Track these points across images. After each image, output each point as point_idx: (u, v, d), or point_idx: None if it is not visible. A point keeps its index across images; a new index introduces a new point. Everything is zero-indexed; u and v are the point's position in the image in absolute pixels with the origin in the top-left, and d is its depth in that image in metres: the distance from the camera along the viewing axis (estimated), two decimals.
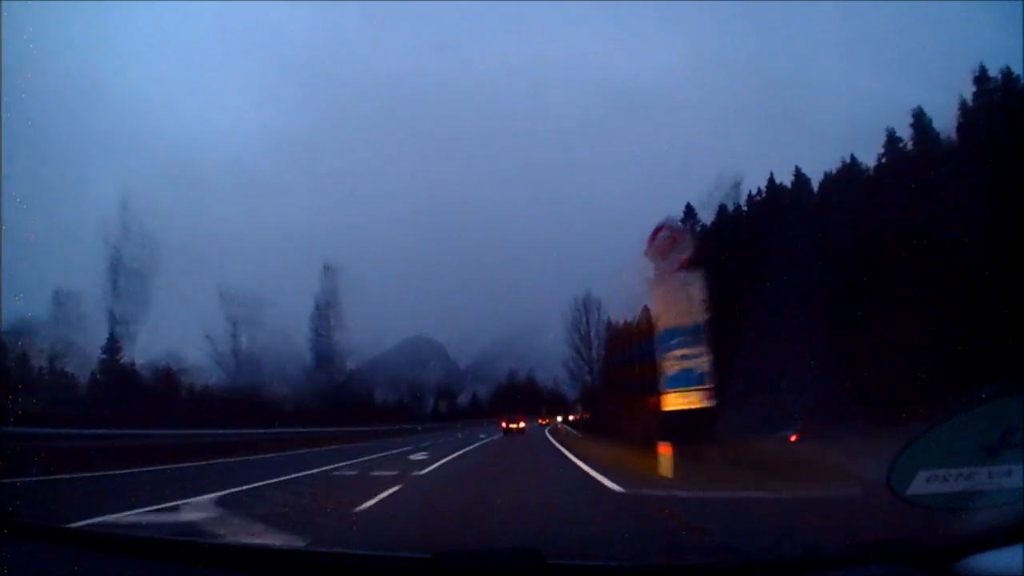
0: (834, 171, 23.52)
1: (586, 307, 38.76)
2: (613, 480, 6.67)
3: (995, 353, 8.84)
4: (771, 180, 29.35)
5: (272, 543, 3.33)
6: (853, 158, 22.81)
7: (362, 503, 5.21)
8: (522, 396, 72.72)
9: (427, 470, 8.89)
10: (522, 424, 30.81)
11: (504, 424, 30.05)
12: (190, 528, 4.02)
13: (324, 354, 34.36)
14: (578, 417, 44.33)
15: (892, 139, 21.55)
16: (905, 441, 1.35)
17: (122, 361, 20.33)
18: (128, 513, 4.57)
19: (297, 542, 3.43)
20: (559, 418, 52.05)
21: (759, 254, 16.97)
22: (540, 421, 52.08)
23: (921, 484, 1.34)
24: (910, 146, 19.39)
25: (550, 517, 4.56)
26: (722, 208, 30.83)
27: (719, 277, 23.22)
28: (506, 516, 4.68)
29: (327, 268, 34.72)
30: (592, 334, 38.50)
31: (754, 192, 30.12)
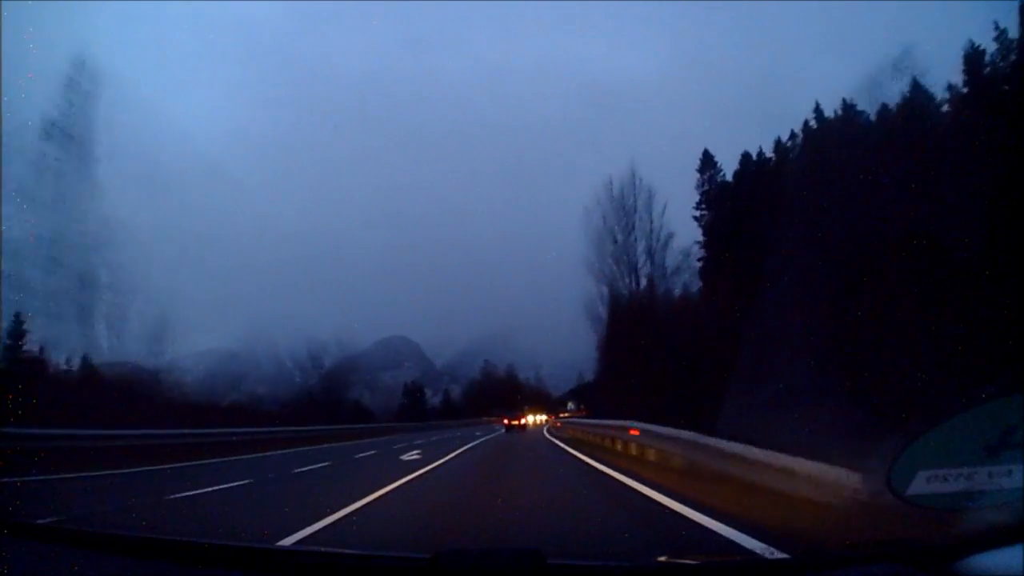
0: (894, 105, 17.37)
1: (622, 206, 22.28)
2: None
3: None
4: (810, 121, 22.95)
5: (272, 543, 3.33)
6: (917, 84, 16.72)
7: None
8: (502, 394, 66.00)
9: None
10: (524, 421, 35.50)
11: (507, 421, 33.35)
12: None
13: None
14: (583, 412, 40.30)
15: (974, 55, 16.13)
16: (905, 441, 1.35)
17: (25, 348, 18.70)
18: None
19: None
20: (544, 416, 47.75)
21: (779, 222, 15.26)
22: (548, 419, 45.96)
23: (921, 484, 1.34)
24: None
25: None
26: (746, 157, 25.32)
27: (725, 261, 20.99)
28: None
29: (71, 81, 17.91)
30: (642, 249, 22.05)
31: (785, 138, 24.86)
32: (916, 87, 16.69)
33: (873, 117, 18.28)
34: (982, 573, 1.26)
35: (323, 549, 3.00)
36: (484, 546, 3.05)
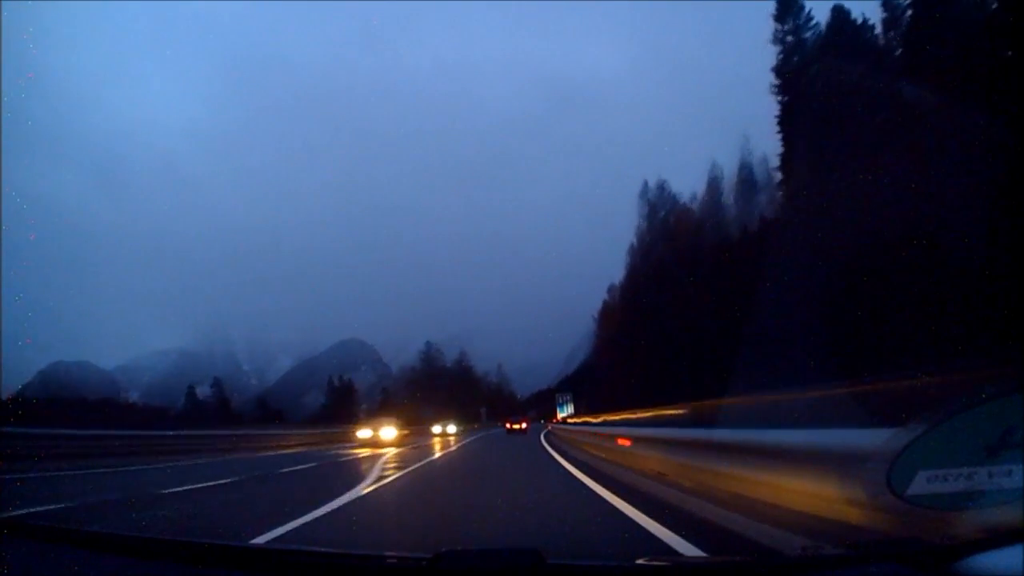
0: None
1: None
2: None
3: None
4: None
5: (272, 544, 3.34)
6: None
7: None
8: (452, 389, 51.86)
9: None
10: (524, 424, 34.37)
11: (508, 424, 34.10)
12: None
13: None
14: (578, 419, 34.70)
15: None
16: (905, 441, 1.35)
17: None
18: None
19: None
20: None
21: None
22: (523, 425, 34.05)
23: (921, 484, 1.34)
24: None
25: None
26: (839, 12, 18.04)
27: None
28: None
29: None
30: None
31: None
32: None
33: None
34: (982, 573, 1.26)
35: (323, 549, 3.00)
36: (484, 546, 3.04)
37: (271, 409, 44.78)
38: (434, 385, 55.28)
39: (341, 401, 50.18)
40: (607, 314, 41.39)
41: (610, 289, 42.63)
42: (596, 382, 39.89)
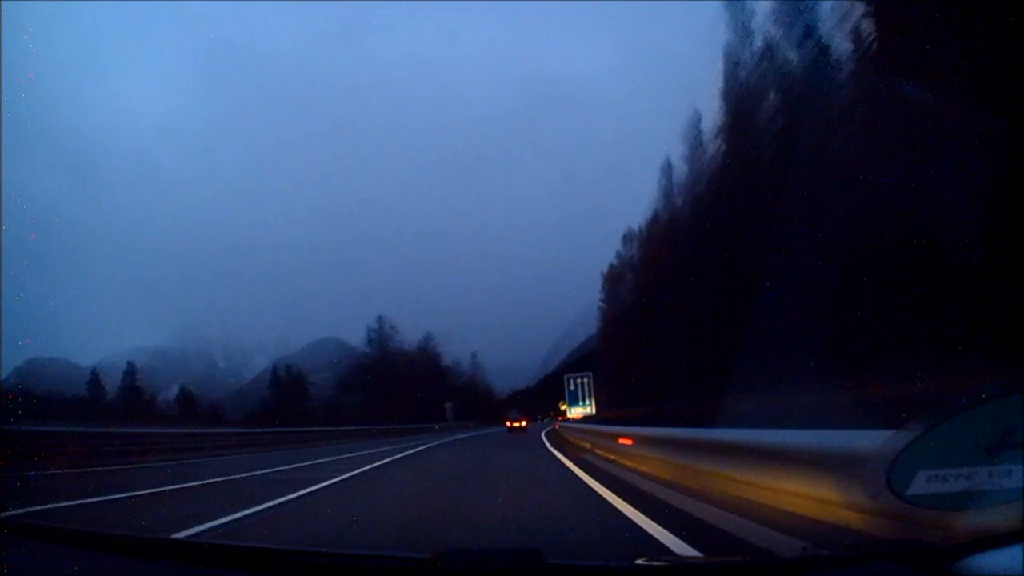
0: None
1: None
2: None
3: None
4: None
5: (272, 544, 3.34)
6: None
7: None
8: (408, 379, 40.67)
9: None
10: (524, 423, 33.36)
11: (508, 423, 32.81)
12: None
13: None
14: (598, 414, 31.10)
15: None
16: (905, 441, 1.35)
17: None
18: None
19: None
20: None
21: None
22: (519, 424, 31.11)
23: (921, 484, 1.34)
24: None
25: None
26: None
27: None
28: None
29: None
30: None
31: None
32: None
33: None
34: (982, 573, 1.26)
35: (324, 549, 3.00)
36: (484, 546, 3.04)
37: (195, 403, 36.68)
38: (388, 373, 43.18)
39: (288, 397, 39.79)
40: (614, 279, 32.37)
41: (626, 239, 31.89)
42: (604, 373, 32.05)
